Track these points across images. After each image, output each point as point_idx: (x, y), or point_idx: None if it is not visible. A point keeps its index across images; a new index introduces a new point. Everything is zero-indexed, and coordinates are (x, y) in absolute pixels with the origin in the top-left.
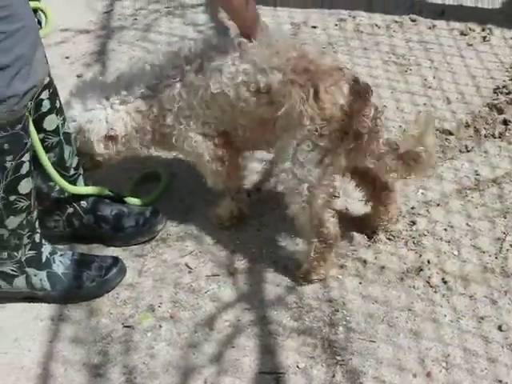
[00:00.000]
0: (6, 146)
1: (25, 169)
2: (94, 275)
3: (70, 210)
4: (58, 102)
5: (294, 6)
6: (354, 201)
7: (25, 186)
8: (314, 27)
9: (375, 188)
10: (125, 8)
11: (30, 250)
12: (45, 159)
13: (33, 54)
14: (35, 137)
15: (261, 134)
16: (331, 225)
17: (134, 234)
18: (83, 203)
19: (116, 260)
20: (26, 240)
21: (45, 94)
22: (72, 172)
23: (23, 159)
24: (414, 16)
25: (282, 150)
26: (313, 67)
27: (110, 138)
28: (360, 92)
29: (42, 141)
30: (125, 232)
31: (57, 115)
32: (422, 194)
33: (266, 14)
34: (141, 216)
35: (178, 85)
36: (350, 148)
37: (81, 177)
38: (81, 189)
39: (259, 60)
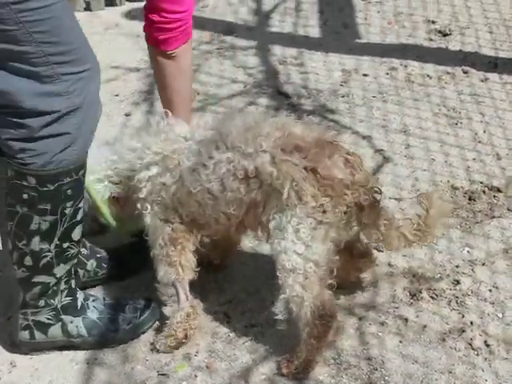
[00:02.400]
0: (69, 191)
1: (80, 215)
2: (129, 317)
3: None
4: None
5: (345, 52)
6: (398, 255)
7: (78, 233)
8: (365, 75)
9: (352, 255)
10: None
11: (66, 296)
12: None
13: (98, 96)
14: None
15: (247, 219)
16: (334, 307)
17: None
18: (83, 250)
19: (149, 301)
20: (63, 286)
21: None
22: None
23: (80, 205)
24: (466, 68)
25: (278, 231)
26: (303, 144)
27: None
28: (354, 163)
29: None
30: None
31: None
32: (468, 252)
33: (317, 59)
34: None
35: (155, 169)
36: (352, 221)
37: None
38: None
39: (242, 144)
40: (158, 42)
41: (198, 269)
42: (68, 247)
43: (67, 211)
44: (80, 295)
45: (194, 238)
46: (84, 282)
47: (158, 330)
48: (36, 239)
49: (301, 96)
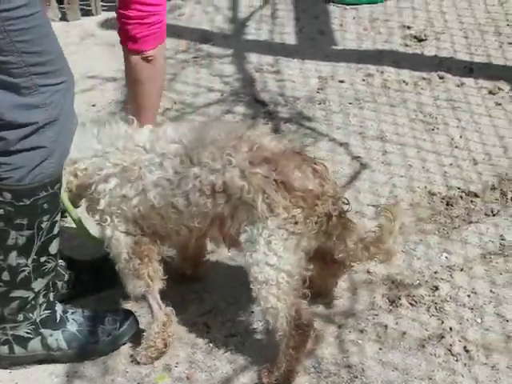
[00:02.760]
0: (45, 205)
1: (57, 228)
2: (109, 329)
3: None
4: None
5: (321, 59)
6: (376, 263)
7: (55, 246)
8: (342, 82)
9: (326, 262)
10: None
11: (45, 309)
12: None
13: (73, 108)
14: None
15: (211, 231)
16: (309, 316)
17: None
18: (60, 262)
19: (129, 313)
20: (41, 299)
21: None
22: None
23: (56, 218)
24: (442, 73)
25: (250, 243)
26: (271, 156)
27: None
28: (322, 173)
29: None
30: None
31: None
32: (446, 258)
33: (293, 66)
34: None
35: (114, 182)
36: (322, 230)
37: None
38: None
39: (209, 159)
40: (135, 41)
41: (166, 277)
42: (45, 261)
43: (44, 225)
44: (59, 308)
45: (158, 247)
46: (62, 294)
47: (137, 342)
48: (13, 254)
49: (278, 104)
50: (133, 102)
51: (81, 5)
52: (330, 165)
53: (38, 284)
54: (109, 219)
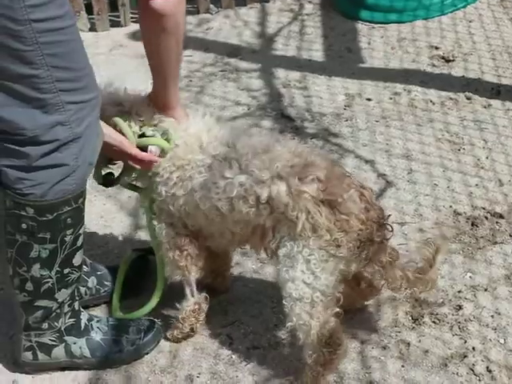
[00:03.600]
0: (69, 220)
1: (80, 241)
2: (133, 338)
3: None
4: None
5: (348, 76)
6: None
7: (78, 258)
8: (369, 99)
9: (359, 284)
10: (180, 69)
11: (69, 318)
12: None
13: (99, 126)
14: None
15: (252, 240)
16: (341, 334)
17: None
18: (85, 267)
19: (153, 323)
20: (66, 308)
21: None
22: None
23: (80, 232)
24: (469, 94)
25: (287, 259)
26: (321, 175)
27: None
28: (368, 198)
29: None
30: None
31: None
32: (470, 277)
33: (320, 83)
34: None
35: (174, 179)
36: (363, 256)
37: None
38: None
39: (256, 169)
40: None
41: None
42: (69, 273)
43: (67, 239)
44: (84, 316)
45: (199, 244)
46: (86, 301)
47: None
48: (36, 266)
49: (304, 119)
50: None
51: (110, 15)
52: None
53: (62, 294)
54: (157, 211)
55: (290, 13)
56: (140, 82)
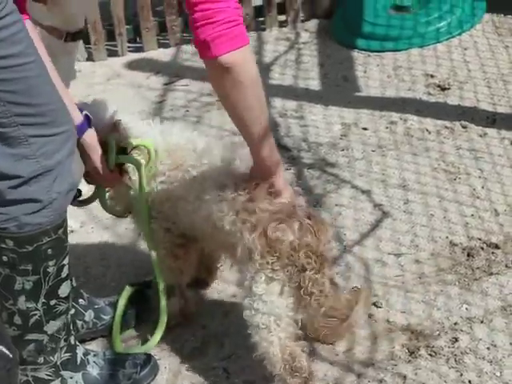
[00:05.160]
0: (49, 251)
1: (65, 272)
2: (129, 373)
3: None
4: None
5: (345, 105)
6: (397, 311)
7: (64, 290)
8: (365, 129)
9: None
10: (177, 99)
11: (65, 352)
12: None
13: (71, 157)
14: None
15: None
16: (303, 358)
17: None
18: (81, 301)
19: (149, 357)
20: (62, 343)
21: None
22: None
23: (64, 262)
24: (464, 123)
25: (243, 287)
26: (264, 207)
27: None
28: (307, 228)
29: None
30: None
31: None
32: (466, 309)
33: (317, 112)
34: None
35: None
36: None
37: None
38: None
39: (216, 196)
40: (207, 47)
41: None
42: (56, 304)
43: (50, 270)
44: (80, 350)
45: (193, 248)
46: (83, 334)
47: None
48: (22, 299)
49: (301, 149)
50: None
51: (107, 45)
52: (351, 212)
53: (51, 327)
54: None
55: (287, 41)
56: (137, 112)
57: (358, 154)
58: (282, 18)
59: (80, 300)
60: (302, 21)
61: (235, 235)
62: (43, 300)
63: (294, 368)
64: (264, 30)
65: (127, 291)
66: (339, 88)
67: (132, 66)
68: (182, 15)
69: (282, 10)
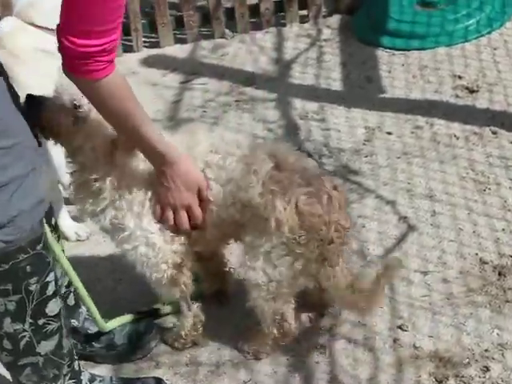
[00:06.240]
0: (28, 268)
1: (51, 289)
2: None
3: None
4: (53, 218)
5: (368, 107)
6: (424, 336)
7: (53, 307)
8: (389, 133)
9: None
10: (194, 98)
11: (70, 379)
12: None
13: (34, 171)
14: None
15: (230, 233)
16: (292, 320)
17: (127, 353)
18: (73, 321)
19: (159, 380)
20: (66, 369)
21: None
22: (64, 290)
23: (48, 279)
24: (494, 128)
25: (252, 250)
26: (291, 176)
27: None
28: (335, 202)
29: None
30: (117, 350)
31: (52, 232)
32: (498, 334)
33: (339, 114)
34: (134, 333)
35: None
36: (321, 254)
37: (71, 294)
38: (111, 323)
39: (239, 178)
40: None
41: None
42: (45, 324)
43: (32, 288)
44: (85, 376)
45: (191, 255)
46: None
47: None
48: (7, 321)
49: (322, 155)
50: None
51: (122, 40)
52: (375, 225)
53: (44, 347)
54: (143, 221)
55: (308, 38)
56: (151, 112)
57: (382, 160)
58: (303, 12)
59: (72, 320)
60: (324, 16)
61: (265, 207)
62: (30, 320)
63: (282, 327)
64: (284, 25)
65: (133, 318)
66: (362, 89)
67: (148, 62)
68: (199, 10)
69: (303, 4)
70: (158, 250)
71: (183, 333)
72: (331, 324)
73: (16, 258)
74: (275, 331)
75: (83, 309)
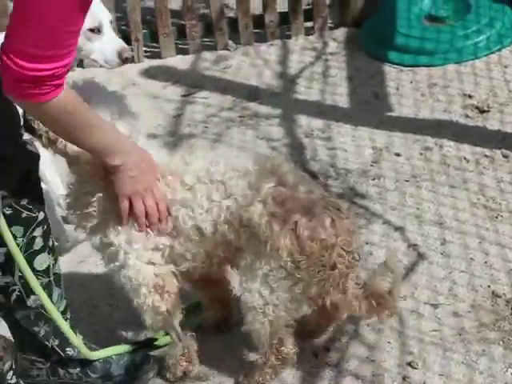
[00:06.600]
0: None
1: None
2: None
3: (55, 357)
4: (50, 240)
5: (375, 126)
6: (435, 374)
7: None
8: (397, 155)
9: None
10: (196, 113)
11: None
12: (52, 307)
13: None
14: (29, 273)
15: (226, 257)
16: (290, 345)
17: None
18: (69, 350)
19: None
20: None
21: (38, 231)
22: None
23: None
24: (506, 151)
25: (250, 271)
26: (293, 197)
27: None
28: (338, 224)
29: None
30: (113, 381)
31: (49, 254)
32: None
33: (345, 133)
34: (131, 363)
35: None
36: (323, 279)
37: (67, 321)
38: (101, 353)
39: (240, 194)
40: None
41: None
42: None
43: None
44: None
45: (177, 280)
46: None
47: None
48: None
49: (328, 176)
50: None
51: None
52: (383, 253)
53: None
54: (126, 246)
55: (313, 51)
56: (151, 127)
57: (390, 183)
58: (309, 24)
59: (68, 349)
60: (330, 28)
61: (263, 230)
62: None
63: (280, 352)
64: (289, 37)
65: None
66: (369, 106)
67: (149, 73)
68: (201, 19)
69: (308, 16)
70: (137, 272)
71: (171, 363)
72: (338, 359)
73: None
74: (273, 358)
75: (79, 336)
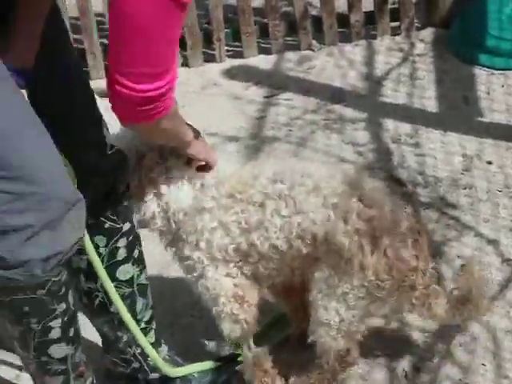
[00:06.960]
0: (26, 308)
1: (55, 334)
2: None
3: (136, 364)
4: (136, 251)
5: (465, 132)
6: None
7: (56, 351)
8: (489, 163)
9: None
10: (279, 115)
11: None
12: (130, 320)
13: (56, 223)
14: (109, 285)
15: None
16: (356, 353)
17: None
18: (150, 360)
19: None
20: None
21: (122, 242)
22: (143, 325)
23: (51, 324)
24: None
25: (327, 287)
26: (378, 214)
27: None
28: (421, 245)
29: None
30: None
31: (133, 265)
32: None
33: (434, 139)
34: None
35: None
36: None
37: (152, 331)
38: (182, 369)
39: (312, 210)
40: None
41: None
42: (48, 362)
43: (33, 326)
44: None
45: (258, 291)
46: None
47: None
48: (16, 344)
49: (417, 184)
50: None
51: (204, 50)
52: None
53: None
54: (208, 262)
55: (400, 52)
56: (233, 129)
57: (482, 193)
58: (395, 24)
59: (149, 359)
60: (417, 29)
61: (349, 248)
62: (33, 353)
63: (344, 361)
64: (375, 38)
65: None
66: (459, 111)
67: (230, 73)
68: (284, 17)
69: (394, 16)
70: (215, 283)
71: (246, 377)
72: (430, 381)
73: (15, 295)
74: (336, 364)
75: (164, 347)
